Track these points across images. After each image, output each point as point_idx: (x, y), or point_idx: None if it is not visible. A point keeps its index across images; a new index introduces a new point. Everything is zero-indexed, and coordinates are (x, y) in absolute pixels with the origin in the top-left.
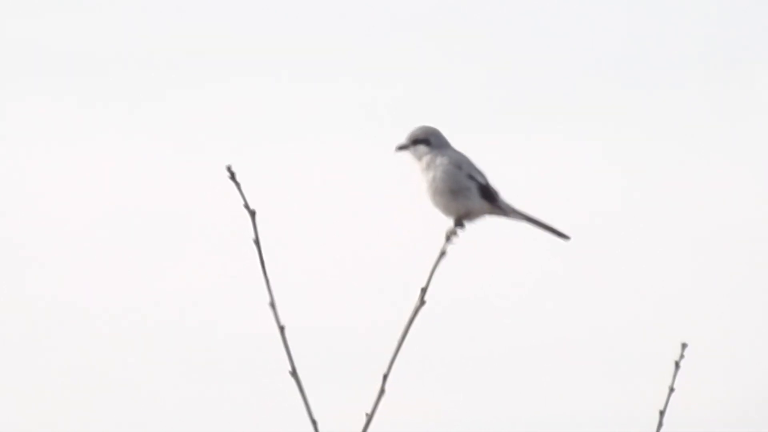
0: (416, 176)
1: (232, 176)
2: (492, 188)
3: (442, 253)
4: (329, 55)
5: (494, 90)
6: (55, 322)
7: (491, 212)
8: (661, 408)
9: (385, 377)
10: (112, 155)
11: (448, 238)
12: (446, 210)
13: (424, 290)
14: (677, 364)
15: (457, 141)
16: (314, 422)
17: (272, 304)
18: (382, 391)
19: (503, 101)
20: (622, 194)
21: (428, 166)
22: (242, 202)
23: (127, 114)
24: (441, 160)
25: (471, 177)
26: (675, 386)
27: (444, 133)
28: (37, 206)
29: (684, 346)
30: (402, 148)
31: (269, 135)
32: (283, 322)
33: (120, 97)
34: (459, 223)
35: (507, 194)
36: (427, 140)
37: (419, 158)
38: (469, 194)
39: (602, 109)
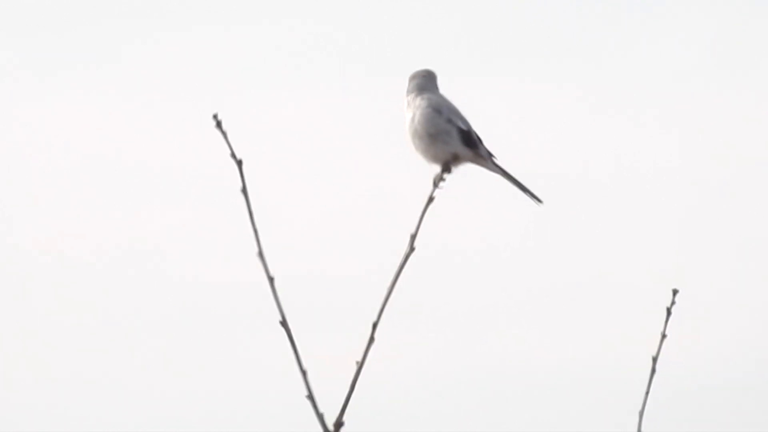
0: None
1: (219, 125)
2: (474, 135)
3: (430, 199)
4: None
5: (474, 32)
6: (46, 277)
7: (473, 160)
8: (654, 354)
9: (374, 325)
10: (98, 106)
11: (435, 184)
12: (425, 154)
13: (413, 236)
14: (669, 311)
15: (442, 84)
16: (304, 372)
17: (261, 255)
18: (371, 339)
19: (484, 43)
20: (613, 138)
21: (408, 105)
22: (229, 152)
23: (111, 63)
24: (420, 102)
25: (450, 121)
26: (667, 332)
27: (437, 77)
28: (20, 157)
29: (675, 292)
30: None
31: (254, 82)
32: (272, 272)
33: (103, 46)
34: (446, 168)
35: (487, 141)
36: (411, 84)
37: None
38: (448, 139)
39: (583, 50)
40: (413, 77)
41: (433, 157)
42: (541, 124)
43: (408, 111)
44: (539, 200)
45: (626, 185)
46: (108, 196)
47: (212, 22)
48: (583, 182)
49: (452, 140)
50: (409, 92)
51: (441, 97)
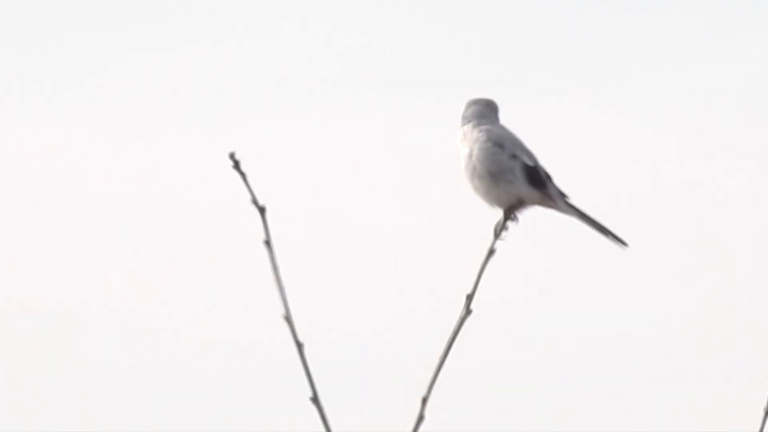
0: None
1: (236, 165)
2: (542, 171)
3: (491, 252)
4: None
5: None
6: (53, 330)
7: (542, 202)
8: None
9: (424, 401)
10: (98, 144)
11: (497, 234)
12: (487, 196)
13: (470, 297)
14: None
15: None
16: None
17: (288, 318)
18: (421, 418)
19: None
20: (683, 163)
21: (464, 137)
22: (249, 197)
23: (95, 89)
24: (478, 135)
25: (514, 157)
26: None
27: (498, 108)
28: (27, 199)
29: None
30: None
31: (263, 107)
32: (301, 337)
33: (87, 67)
34: (510, 214)
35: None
36: (467, 111)
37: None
38: (512, 178)
39: (643, 74)
40: (470, 104)
41: (495, 200)
42: (603, 151)
43: (464, 145)
44: (624, 243)
45: (704, 215)
46: (112, 251)
47: (213, 34)
48: (662, 217)
49: (516, 180)
50: (464, 122)
51: (502, 128)
